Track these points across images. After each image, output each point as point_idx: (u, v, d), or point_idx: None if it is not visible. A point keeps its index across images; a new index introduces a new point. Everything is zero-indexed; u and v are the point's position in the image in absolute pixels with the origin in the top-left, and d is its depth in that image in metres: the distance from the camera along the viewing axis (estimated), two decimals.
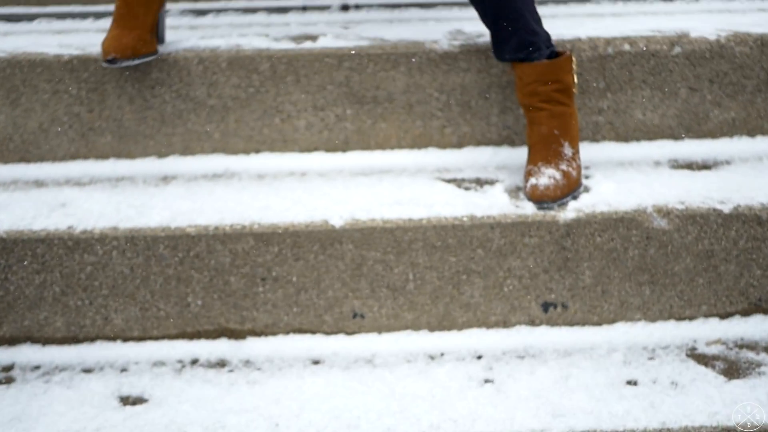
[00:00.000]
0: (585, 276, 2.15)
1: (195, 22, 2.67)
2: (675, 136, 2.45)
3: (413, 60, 2.38)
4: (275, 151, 2.42)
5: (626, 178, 2.28)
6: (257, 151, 2.42)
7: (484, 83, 2.41)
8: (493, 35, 2.27)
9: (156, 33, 2.36)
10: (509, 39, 2.23)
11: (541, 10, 2.52)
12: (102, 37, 2.42)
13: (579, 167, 2.22)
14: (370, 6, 2.73)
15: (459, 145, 2.43)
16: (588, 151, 2.39)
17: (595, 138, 2.45)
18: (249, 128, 2.41)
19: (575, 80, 2.25)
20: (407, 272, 2.14)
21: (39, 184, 2.32)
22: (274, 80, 2.39)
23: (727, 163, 2.36)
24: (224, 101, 2.40)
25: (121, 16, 2.28)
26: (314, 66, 2.39)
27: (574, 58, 2.25)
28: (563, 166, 2.19)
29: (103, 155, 2.42)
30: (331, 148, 2.43)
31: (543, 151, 2.21)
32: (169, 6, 2.69)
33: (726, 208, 2.14)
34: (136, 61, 2.27)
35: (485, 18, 2.27)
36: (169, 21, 2.65)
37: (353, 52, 2.37)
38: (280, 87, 2.39)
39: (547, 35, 2.26)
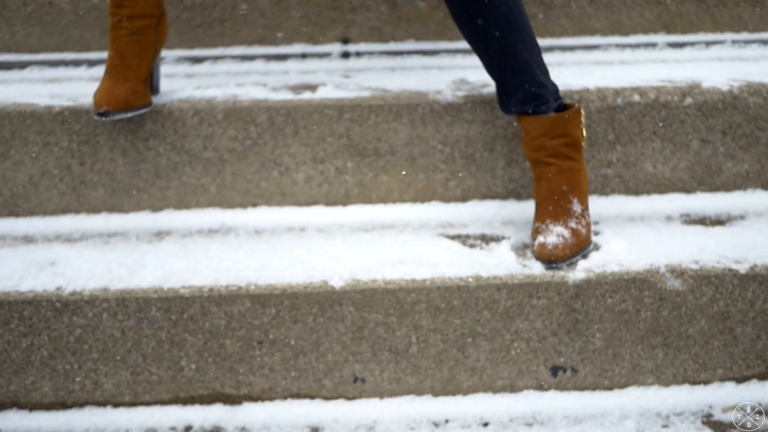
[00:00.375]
0: (595, 339, 2.06)
1: (191, 70, 2.59)
2: (687, 190, 2.37)
3: (416, 111, 2.30)
4: (273, 205, 2.34)
5: (637, 234, 2.20)
6: (255, 205, 2.34)
7: (489, 135, 2.33)
8: (498, 87, 2.19)
9: (150, 84, 2.28)
10: (515, 91, 2.16)
11: (548, 58, 2.45)
12: (95, 86, 2.35)
13: (588, 224, 2.13)
14: (371, 53, 2.65)
15: (463, 198, 2.35)
16: (597, 205, 2.31)
17: (604, 191, 2.36)
18: (246, 181, 2.33)
19: (584, 134, 2.17)
20: (410, 335, 2.05)
21: (28, 240, 2.24)
22: (272, 132, 2.31)
23: (742, 217, 2.27)
24: (220, 154, 2.32)
25: (113, 67, 2.20)
26: (313, 117, 2.31)
27: (582, 111, 2.17)
28: (572, 224, 2.11)
29: (94, 209, 2.33)
30: (331, 201, 2.34)
31: (551, 208, 2.13)
32: (164, 53, 2.61)
33: (742, 268, 2.06)
34: (129, 114, 2.19)
35: (490, 70, 2.20)
36: (164, 69, 2.58)
37: (354, 103, 2.29)
38: (279, 139, 2.32)
39: (555, 87, 2.19)
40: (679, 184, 2.37)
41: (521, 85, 2.15)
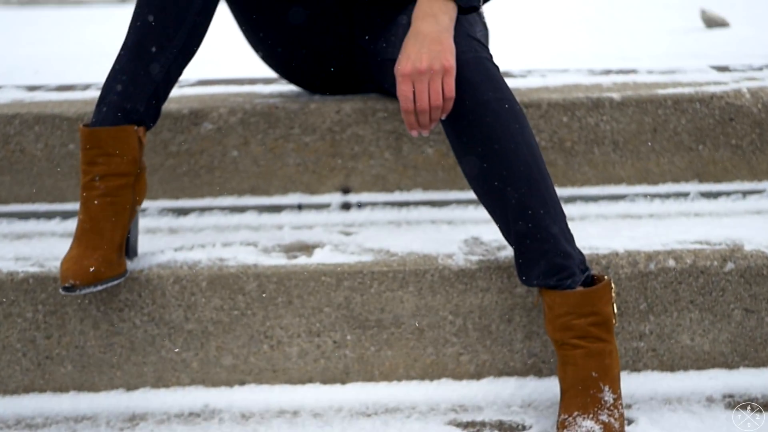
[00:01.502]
0: None
1: (176, 223, 2.35)
2: (729, 365, 2.11)
3: (424, 278, 2.05)
4: (263, 382, 2.08)
5: (676, 423, 1.93)
6: (242, 382, 2.08)
7: (507, 305, 2.07)
8: (517, 255, 1.94)
9: (126, 248, 2.04)
10: (537, 262, 1.91)
11: (570, 210, 2.22)
12: (68, 243, 2.10)
13: (622, 416, 1.86)
14: (374, 204, 2.40)
15: (477, 375, 2.09)
16: (628, 383, 2.05)
17: (635, 367, 2.10)
18: (233, 356, 2.07)
19: (615, 310, 1.91)
20: None
21: None
22: (262, 302, 2.06)
23: None
24: (204, 326, 2.06)
25: (83, 233, 1.95)
26: (309, 286, 2.05)
27: (613, 285, 1.92)
28: (603, 417, 1.84)
29: (62, 388, 2.07)
30: (327, 379, 2.08)
31: (579, 398, 1.86)
32: (146, 204, 2.38)
33: None
34: (100, 288, 1.94)
35: (508, 236, 1.95)
36: (146, 222, 2.34)
37: (354, 269, 2.04)
38: (270, 309, 2.06)
39: (581, 256, 1.93)
40: (720, 358, 2.11)
41: (543, 255, 1.90)
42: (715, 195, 2.43)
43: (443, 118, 1.92)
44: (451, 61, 1.88)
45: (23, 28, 6.44)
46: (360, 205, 2.40)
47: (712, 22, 4.52)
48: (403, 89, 1.89)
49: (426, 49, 1.89)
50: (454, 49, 1.91)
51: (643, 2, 6.89)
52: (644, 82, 2.59)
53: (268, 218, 2.37)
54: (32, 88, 2.78)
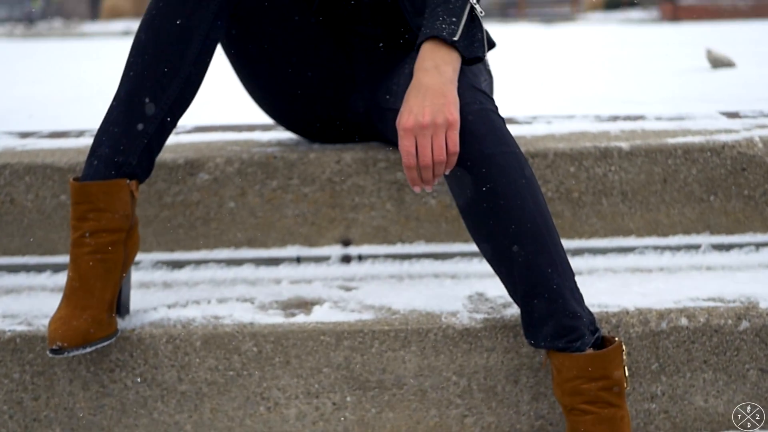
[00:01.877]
0: None
1: (170, 276, 2.27)
2: (744, 427, 2.02)
3: (427, 337, 1.97)
4: None
5: None
6: None
7: (513, 365, 1.99)
8: (524, 315, 1.87)
9: (117, 306, 1.96)
10: (545, 322, 1.83)
11: (577, 263, 2.16)
12: (58, 298, 2.02)
13: None
14: (375, 257, 2.32)
15: None
16: None
17: (647, 429, 2.02)
18: (228, 419, 1.99)
19: (626, 373, 1.83)
20: None
21: None
22: (258, 362, 1.98)
23: None
24: (198, 387, 1.98)
25: (72, 291, 1.87)
26: (308, 345, 1.98)
27: (624, 347, 1.84)
28: None
29: None
30: None
31: None
32: (140, 257, 2.30)
33: None
34: (89, 349, 1.86)
35: (515, 295, 1.88)
36: (140, 276, 2.26)
37: (354, 328, 1.97)
38: (267, 370, 1.98)
39: (591, 317, 1.86)
40: (735, 421, 2.02)
41: (551, 315, 1.82)
42: (728, 247, 2.35)
43: (447, 173, 1.84)
44: (455, 115, 1.81)
45: (23, 63, 6.40)
46: (361, 258, 2.33)
47: (718, 62, 4.46)
48: (405, 144, 1.81)
49: (429, 102, 1.82)
50: (458, 102, 1.84)
51: (647, 41, 6.84)
52: (653, 130, 2.52)
53: (265, 271, 2.29)
54: (25, 135, 2.71)
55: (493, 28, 1.99)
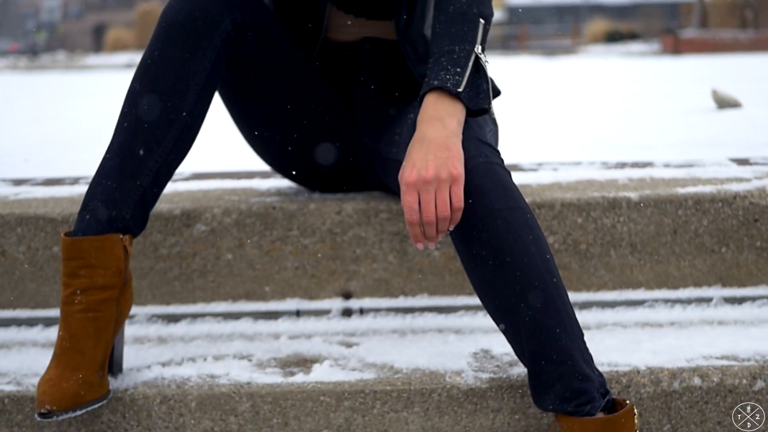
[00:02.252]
0: None
1: (165, 331, 2.20)
2: None
3: (431, 398, 1.90)
4: None
5: None
6: None
7: (520, 426, 1.92)
8: (531, 376, 1.80)
9: (110, 366, 1.89)
10: (553, 385, 1.76)
11: (584, 316, 2.10)
12: (49, 354, 1.95)
13: None
14: (377, 310, 2.26)
15: None
16: None
17: None
18: None
19: None
20: None
21: None
22: (256, 423, 1.91)
23: None
24: None
25: (62, 351, 1.80)
26: (307, 406, 1.90)
27: (636, 411, 1.77)
28: None
29: None
30: None
31: None
32: (134, 310, 2.23)
33: None
34: (80, 412, 1.78)
35: (522, 356, 1.81)
36: (134, 330, 2.19)
37: (355, 389, 1.90)
38: (264, 431, 1.91)
39: (602, 379, 1.78)
40: None
41: (560, 378, 1.75)
42: (740, 300, 2.28)
43: (451, 229, 1.78)
44: (459, 169, 1.75)
45: (23, 98, 6.36)
46: (362, 311, 2.26)
47: (724, 102, 4.41)
48: (408, 200, 1.75)
49: (432, 156, 1.75)
50: (463, 155, 1.77)
51: (651, 76, 6.80)
52: (662, 178, 2.46)
53: (264, 326, 2.22)
54: (18, 182, 2.65)
55: (494, 60, 1.93)
